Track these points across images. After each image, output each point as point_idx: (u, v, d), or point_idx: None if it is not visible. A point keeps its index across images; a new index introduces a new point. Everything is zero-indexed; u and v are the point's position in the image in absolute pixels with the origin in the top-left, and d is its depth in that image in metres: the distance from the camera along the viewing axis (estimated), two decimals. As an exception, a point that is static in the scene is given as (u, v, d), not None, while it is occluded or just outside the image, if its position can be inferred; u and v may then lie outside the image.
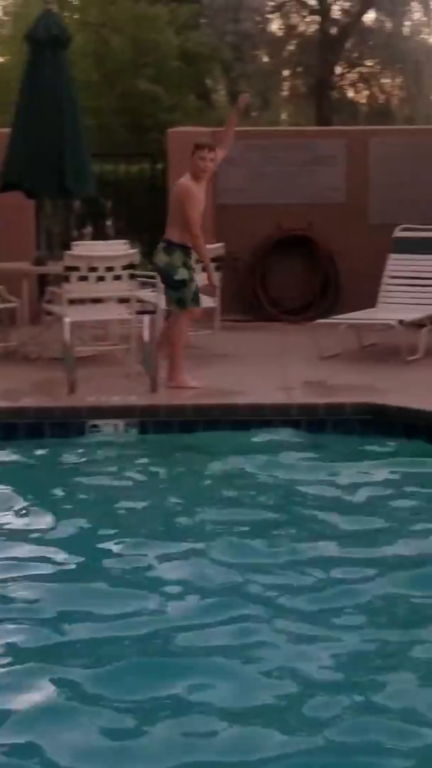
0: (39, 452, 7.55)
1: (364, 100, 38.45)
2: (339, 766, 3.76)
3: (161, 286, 9.27)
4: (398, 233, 11.16)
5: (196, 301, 8.94)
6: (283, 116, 38.57)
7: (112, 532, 6.01)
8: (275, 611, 4.91)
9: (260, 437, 7.80)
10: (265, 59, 35.43)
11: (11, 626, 4.79)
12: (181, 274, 8.80)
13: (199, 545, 5.69)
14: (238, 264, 12.16)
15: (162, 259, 8.85)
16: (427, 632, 4.72)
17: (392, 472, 7.06)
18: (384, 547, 5.69)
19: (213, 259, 9.23)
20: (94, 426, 7.99)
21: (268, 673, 4.34)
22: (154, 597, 5.06)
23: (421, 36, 37.91)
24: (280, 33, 35.40)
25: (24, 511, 6.38)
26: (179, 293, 8.88)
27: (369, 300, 10.73)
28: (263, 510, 6.37)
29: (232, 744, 3.86)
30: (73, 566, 5.54)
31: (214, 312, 10.39)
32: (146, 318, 9.02)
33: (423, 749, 3.80)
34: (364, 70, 38.30)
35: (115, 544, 5.79)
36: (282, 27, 35.62)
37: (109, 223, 15.47)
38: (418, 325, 10.17)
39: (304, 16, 35.55)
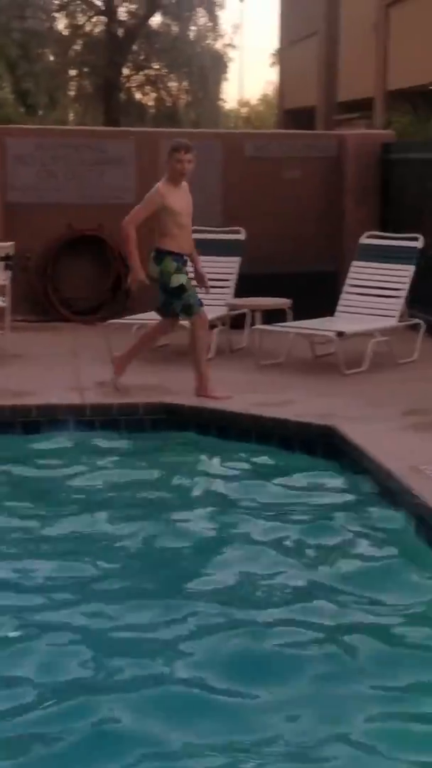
0: None
1: (151, 103, 38.63)
2: None
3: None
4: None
5: (200, 303, 8.56)
6: (71, 116, 38.36)
7: None
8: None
9: (50, 437, 7.78)
10: (52, 58, 35.20)
11: None
12: (177, 279, 8.42)
13: None
14: (28, 263, 12.01)
15: (153, 269, 8.44)
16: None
17: (183, 471, 7.15)
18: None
19: (2, 258, 9.06)
20: None
21: None
22: None
23: (207, 41, 38.38)
24: (66, 32, 35.23)
25: None
26: (182, 300, 8.45)
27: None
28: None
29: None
30: None
31: (4, 312, 10.23)
32: None
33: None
34: (151, 72, 38.51)
35: None
36: (68, 26, 35.47)
37: None
38: (210, 325, 10.25)
39: (91, 16, 35.49)
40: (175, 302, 8.49)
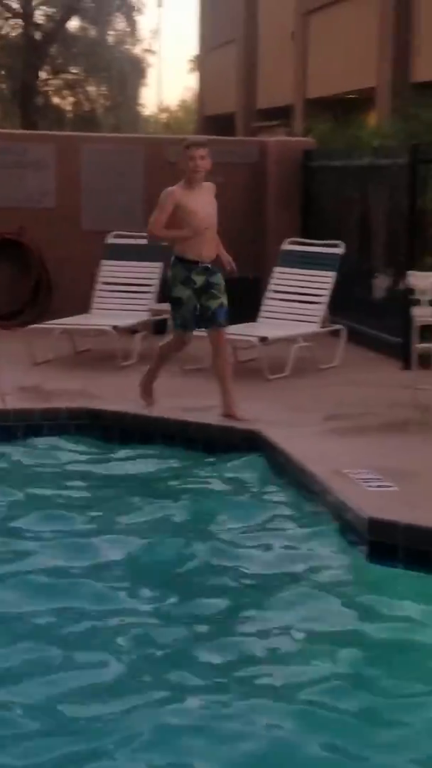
0: None
1: (69, 107, 38.47)
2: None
3: None
4: (110, 239, 11.23)
5: (184, 325, 7.99)
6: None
7: None
8: None
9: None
10: (-31, 60, 34.92)
11: None
12: (177, 292, 7.96)
13: None
14: None
15: (169, 272, 8.11)
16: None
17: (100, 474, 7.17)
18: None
19: None
20: None
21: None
22: None
23: (126, 46, 38.32)
24: (-18, 35, 34.96)
25: None
26: (176, 314, 8.04)
27: (83, 305, 10.75)
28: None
29: None
30: None
31: None
32: None
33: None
34: (68, 76, 38.35)
35: None
36: (-16, 29, 35.20)
37: None
38: (132, 330, 10.27)
39: (7, 19, 35.26)
40: (173, 313, 8.14)
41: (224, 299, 7.96)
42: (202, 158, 7.83)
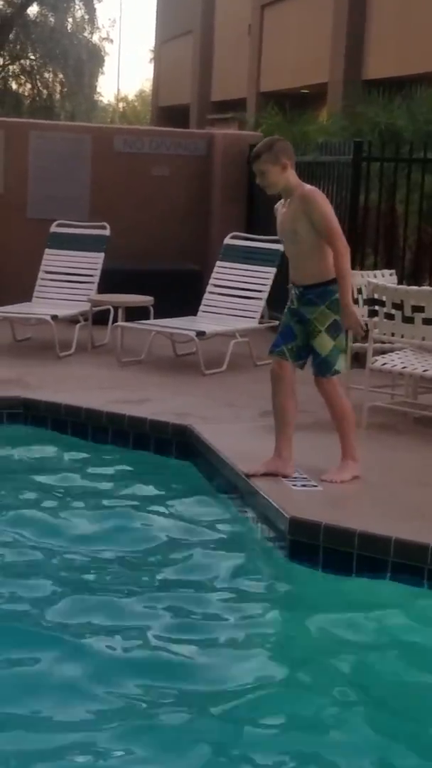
0: None
1: (27, 93, 38.28)
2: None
3: None
4: (54, 228, 11.17)
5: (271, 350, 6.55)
6: None
7: None
8: None
9: None
10: None
11: None
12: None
13: None
14: None
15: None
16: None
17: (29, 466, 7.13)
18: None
19: None
20: None
21: None
22: None
23: (84, 34, 38.16)
24: None
25: None
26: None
27: (25, 294, 10.68)
28: None
29: None
30: None
31: None
32: None
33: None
34: (26, 63, 38.13)
35: None
36: None
37: None
38: (72, 320, 10.22)
39: (-34, 4, 35.01)
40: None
41: None
42: (261, 174, 6.29)
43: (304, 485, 6.16)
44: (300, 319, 6.33)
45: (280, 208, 6.45)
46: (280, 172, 6.22)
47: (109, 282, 10.73)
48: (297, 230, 6.26)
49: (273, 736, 4.06)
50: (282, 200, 6.44)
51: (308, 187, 6.36)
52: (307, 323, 6.29)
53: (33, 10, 36.69)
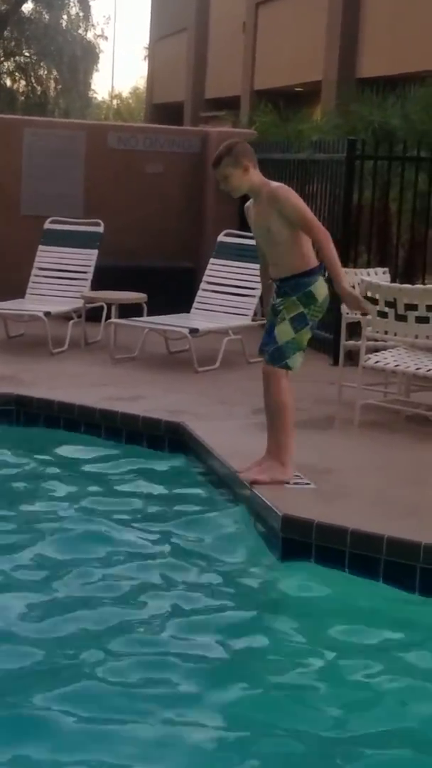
0: None
1: (21, 90, 38.27)
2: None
3: None
4: (48, 225, 11.16)
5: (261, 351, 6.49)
6: None
7: None
8: None
9: None
10: None
11: None
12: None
13: None
14: None
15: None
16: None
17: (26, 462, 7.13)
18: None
19: None
20: None
21: None
22: None
23: (79, 31, 38.15)
24: None
25: None
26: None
27: (18, 290, 10.68)
28: None
29: None
30: None
31: None
32: None
33: None
34: (21, 59, 38.11)
35: None
36: None
37: None
38: (65, 317, 10.22)
39: (-40, 0, 34.99)
40: None
41: None
42: (223, 178, 6.26)
43: (296, 483, 6.17)
44: (276, 313, 6.30)
45: (252, 207, 6.34)
46: (243, 175, 6.16)
47: (103, 279, 10.73)
48: (270, 228, 6.19)
49: (268, 736, 4.05)
50: (251, 201, 6.35)
51: (274, 184, 6.29)
52: (278, 313, 6.23)
53: (28, 6, 36.69)
